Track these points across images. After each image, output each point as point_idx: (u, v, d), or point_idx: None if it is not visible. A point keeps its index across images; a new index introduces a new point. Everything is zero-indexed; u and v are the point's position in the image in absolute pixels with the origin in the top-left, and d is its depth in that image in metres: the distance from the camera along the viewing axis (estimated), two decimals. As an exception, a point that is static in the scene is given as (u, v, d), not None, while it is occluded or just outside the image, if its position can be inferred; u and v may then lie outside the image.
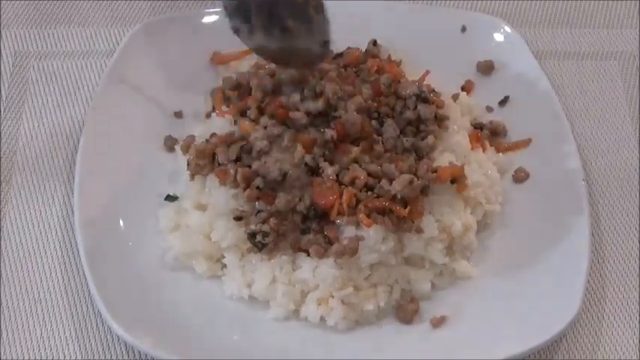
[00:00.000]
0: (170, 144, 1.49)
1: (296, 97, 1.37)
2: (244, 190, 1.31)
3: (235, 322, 1.31)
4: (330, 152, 1.34)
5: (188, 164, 1.38)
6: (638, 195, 1.49)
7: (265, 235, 1.30)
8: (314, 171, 1.33)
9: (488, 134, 1.50)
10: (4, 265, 1.37)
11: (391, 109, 1.40)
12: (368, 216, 1.29)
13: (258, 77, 1.43)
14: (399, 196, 1.29)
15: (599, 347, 1.32)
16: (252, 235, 1.30)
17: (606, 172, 1.52)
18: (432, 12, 1.67)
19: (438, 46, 1.59)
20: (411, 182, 1.29)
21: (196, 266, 1.35)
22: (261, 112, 1.38)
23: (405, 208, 1.30)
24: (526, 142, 1.49)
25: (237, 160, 1.34)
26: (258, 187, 1.31)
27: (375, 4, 1.63)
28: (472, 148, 1.43)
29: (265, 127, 1.33)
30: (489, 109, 1.54)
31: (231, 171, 1.31)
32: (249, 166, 1.33)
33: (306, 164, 1.32)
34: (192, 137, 1.44)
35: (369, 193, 1.31)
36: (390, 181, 1.31)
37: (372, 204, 1.30)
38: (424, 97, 1.41)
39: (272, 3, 1.29)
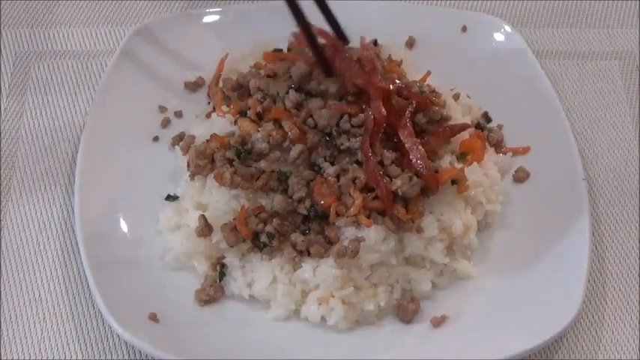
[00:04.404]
0: (172, 143, 1.49)
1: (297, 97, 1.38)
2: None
3: (235, 322, 1.31)
4: (332, 153, 1.35)
5: (188, 164, 1.38)
6: (638, 195, 1.49)
7: (271, 237, 1.30)
8: (315, 171, 1.34)
9: (487, 134, 1.50)
10: (4, 265, 1.37)
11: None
12: (368, 216, 1.30)
13: (258, 78, 1.44)
14: (399, 193, 1.29)
15: (599, 347, 1.32)
16: (255, 236, 1.31)
17: (606, 172, 1.52)
18: (432, 12, 1.67)
19: (438, 46, 1.59)
20: (410, 179, 1.29)
21: (197, 266, 1.35)
22: (260, 116, 1.39)
23: (406, 208, 1.30)
24: (525, 150, 1.49)
25: (238, 158, 1.34)
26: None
27: (375, 4, 1.63)
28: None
29: (270, 136, 1.33)
30: (488, 119, 1.53)
31: (227, 175, 1.31)
32: (250, 166, 1.34)
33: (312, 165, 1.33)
34: (192, 137, 1.44)
35: (369, 194, 1.31)
36: (391, 179, 1.31)
37: (373, 205, 1.30)
38: (425, 97, 1.41)
39: None
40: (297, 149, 1.33)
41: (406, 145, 1.33)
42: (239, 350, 1.26)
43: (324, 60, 1.38)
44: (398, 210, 1.30)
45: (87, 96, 1.58)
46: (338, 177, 1.33)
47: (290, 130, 1.34)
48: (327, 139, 1.36)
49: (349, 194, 1.31)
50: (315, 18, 1.39)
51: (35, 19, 1.70)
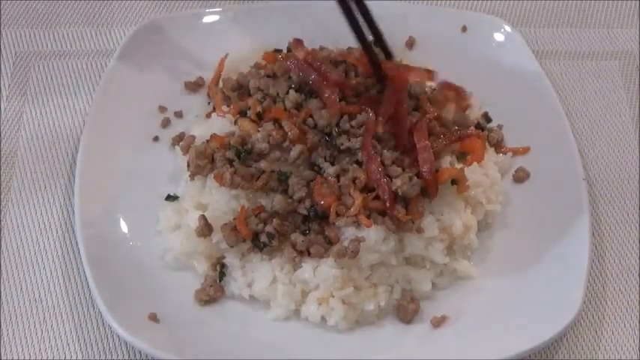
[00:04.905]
0: (172, 143, 1.49)
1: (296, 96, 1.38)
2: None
3: (235, 322, 1.31)
4: (332, 153, 1.35)
5: (188, 165, 1.38)
6: (638, 195, 1.49)
7: (271, 237, 1.30)
8: (315, 171, 1.34)
9: (487, 134, 1.50)
10: (4, 265, 1.37)
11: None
12: (368, 217, 1.30)
13: (258, 78, 1.44)
14: (399, 193, 1.29)
15: (599, 347, 1.32)
16: (255, 236, 1.31)
17: (606, 172, 1.52)
18: (432, 12, 1.67)
19: (438, 46, 1.59)
20: (410, 179, 1.29)
21: (197, 266, 1.35)
22: (260, 116, 1.39)
23: (406, 208, 1.30)
24: (525, 150, 1.48)
25: (238, 158, 1.34)
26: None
27: (375, 4, 1.62)
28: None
29: (270, 136, 1.33)
30: (488, 119, 1.53)
31: (227, 175, 1.31)
32: (250, 166, 1.34)
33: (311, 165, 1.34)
34: (192, 137, 1.44)
35: (369, 194, 1.31)
36: (391, 179, 1.31)
37: (373, 205, 1.30)
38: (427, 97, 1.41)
39: None
40: (297, 149, 1.33)
41: (418, 145, 1.33)
42: (239, 350, 1.26)
43: (378, 65, 1.39)
44: (398, 210, 1.30)
45: (87, 96, 1.58)
46: (338, 177, 1.33)
47: (290, 130, 1.34)
48: (327, 139, 1.36)
49: (349, 194, 1.31)
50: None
51: (35, 19, 1.70)
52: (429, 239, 1.32)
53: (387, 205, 1.29)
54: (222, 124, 1.42)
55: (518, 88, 1.54)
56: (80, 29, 1.69)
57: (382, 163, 1.33)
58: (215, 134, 1.38)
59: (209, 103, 1.54)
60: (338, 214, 1.30)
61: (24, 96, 1.58)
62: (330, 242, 1.31)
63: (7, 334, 1.31)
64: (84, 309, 1.33)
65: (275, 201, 1.32)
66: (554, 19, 1.75)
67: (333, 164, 1.34)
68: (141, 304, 1.28)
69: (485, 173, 1.40)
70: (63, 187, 1.46)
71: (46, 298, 1.34)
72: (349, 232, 1.30)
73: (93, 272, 1.28)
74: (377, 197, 1.31)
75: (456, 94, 1.48)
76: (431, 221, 1.32)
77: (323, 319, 1.30)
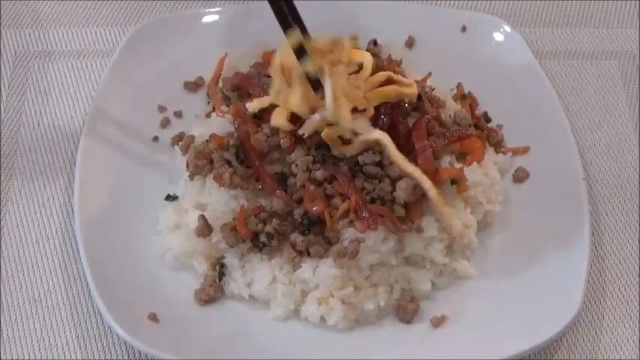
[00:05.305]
0: (171, 143, 1.49)
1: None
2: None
3: (235, 322, 1.31)
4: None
5: (187, 165, 1.38)
6: (638, 195, 1.49)
7: (270, 237, 1.30)
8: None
9: (487, 134, 1.50)
10: (4, 265, 1.37)
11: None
12: (368, 217, 1.29)
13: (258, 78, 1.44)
14: (401, 202, 1.29)
15: (599, 347, 1.32)
16: (254, 236, 1.31)
17: (606, 172, 1.52)
18: (432, 12, 1.67)
19: (438, 46, 1.59)
20: (415, 188, 1.29)
21: (196, 266, 1.35)
22: (259, 117, 1.39)
23: (406, 209, 1.30)
24: (525, 150, 1.48)
25: (236, 158, 1.34)
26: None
27: (375, 4, 1.63)
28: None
29: (268, 137, 1.33)
30: (488, 119, 1.53)
31: (226, 175, 1.31)
32: (249, 167, 1.34)
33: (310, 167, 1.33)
34: (192, 137, 1.44)
35: (368, 196, 1.31)
36: (392, 181, 1.31)
37: (372, 208, 1.30)
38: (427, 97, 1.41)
39: None
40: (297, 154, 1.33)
41: (417, 145, 1.33)
42: (239, 350, 1.26)
43: (283, 14, 1.32)
44: (398, 211, 1.30)
45: (87, 96, 1.58)
46: (327, 181, 1.32)
47: (283, 137, 1.33)
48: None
49: (339, 195, 1.31)
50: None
51: (35, 19, 1.70)
52: (429, 239, 1.32)
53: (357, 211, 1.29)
54: (221, 124, 1.42)
55: (518, 88, 1.54)
56: (80, 29, 1.69)
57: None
58: (214, 134, 1.38)
59: (209, 103, 1.54)
60: (332, 217, 1.30)
61: (24, 96, 1.58)
62: (330, 242, 1.30)
63: (7, 334, 1.31)
64: (84, 309, 1.33)
65: (274, 201, 1.32)
66: (554, 19, 1.75)
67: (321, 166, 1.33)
68: (140, 304, 1.28)
69: (485, 173, 1.40)
70: (63, 187, 1.46)
71: (46, 298, 1.34)
72: (349, 233, 1.30)
73: (93, 272, 1.28)
74: (373, 200, 1.30)
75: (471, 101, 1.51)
76: (430, 221, 1.32)
77: (323, 319, 1.30)
